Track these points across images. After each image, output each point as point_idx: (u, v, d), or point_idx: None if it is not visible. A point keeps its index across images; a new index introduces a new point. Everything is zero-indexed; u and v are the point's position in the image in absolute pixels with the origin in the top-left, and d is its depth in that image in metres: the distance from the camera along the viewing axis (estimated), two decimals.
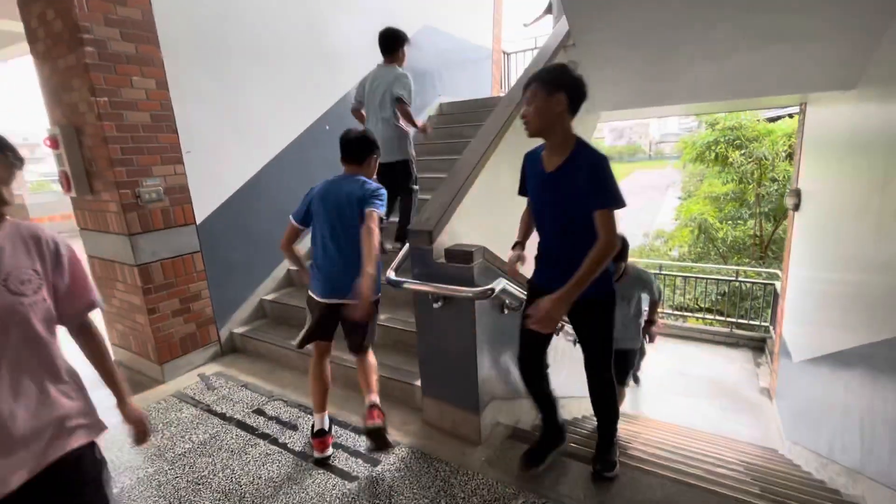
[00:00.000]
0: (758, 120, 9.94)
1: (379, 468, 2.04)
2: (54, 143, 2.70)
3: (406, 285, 1.97)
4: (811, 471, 3.46)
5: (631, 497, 1.82)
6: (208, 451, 2.20)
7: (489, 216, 2.74)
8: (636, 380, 5.43)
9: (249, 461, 2.12)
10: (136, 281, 2.75)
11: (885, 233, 2.62)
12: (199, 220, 3.03)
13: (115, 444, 2.22)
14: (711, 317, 6.94)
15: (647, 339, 3.26)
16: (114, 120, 2.56)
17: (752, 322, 6.57)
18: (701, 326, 6.89)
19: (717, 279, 7.27)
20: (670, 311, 7.16)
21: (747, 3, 2.72)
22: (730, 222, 9.61)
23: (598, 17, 3.17)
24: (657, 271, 7.28)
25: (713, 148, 10.17)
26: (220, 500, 1.89)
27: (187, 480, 2.01)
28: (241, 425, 2.41)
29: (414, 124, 3.20)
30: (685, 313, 7.20)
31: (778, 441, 4.61)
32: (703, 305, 7.85)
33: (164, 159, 2.81)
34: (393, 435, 2.27)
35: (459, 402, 2.18)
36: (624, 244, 2.73)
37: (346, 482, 1.96)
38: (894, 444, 2.26)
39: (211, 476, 2.03)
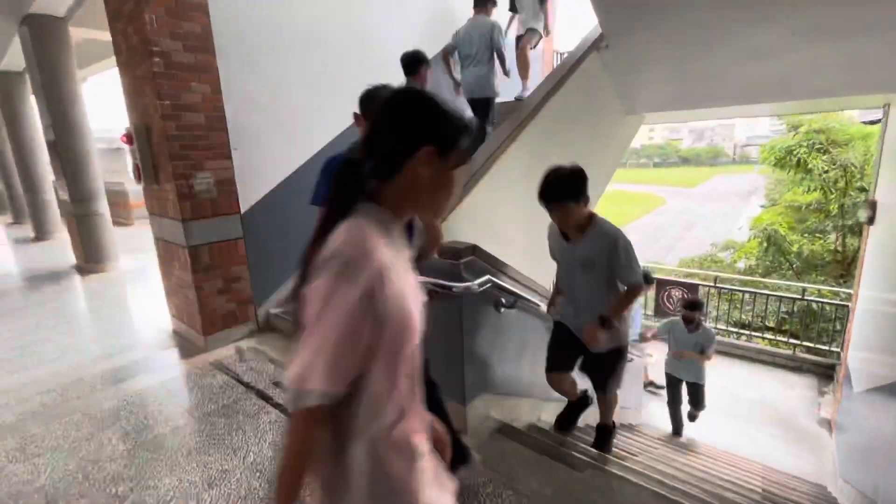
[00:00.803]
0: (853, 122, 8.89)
1: None
2: (129, 139, 3.17)
3: None
4: None
5: (603, 501, 1.83)
6: (228, 413, 2.50)
7: (495, 216, 2.81)
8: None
9: (260, 425, 2.38)
10: (186, 261, 3.16)
11: None
12: (243, 210, 3.39)
13: (156, 398, 2.62)
14: (771, 336, 6.36)
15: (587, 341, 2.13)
16: (174, 121, 2.96)
17: (819, 346, 5.94)
18: (759, 346, 6.34)
19: (780, 296, 6.62)
20: (725, 328, 6.67)
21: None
22: (807, 235, 8.67)
23: (631, 18, 3.10)
24: (711, 284, 6.80)
25: (795, 152, 9.25)
26: (229, 455, 2.16)
27: (207, 435, 2.31)
28: (260, 394, 2.70)
29: (505, 70, 3.78)
30: (741, 331, 6.67)
31: (832, 478, 4.17)
32: (765, 324, 7.21)
33: (214, 155, 3.18)
34: None
35: (448, 393, 2.28)
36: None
37: None
38: None
39: (226, 434, 2.32)
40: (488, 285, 2.02)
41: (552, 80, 3.17)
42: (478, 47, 3.75)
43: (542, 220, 3.43)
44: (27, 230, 8.50)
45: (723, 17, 2.84)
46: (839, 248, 8.33)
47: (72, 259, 6.00)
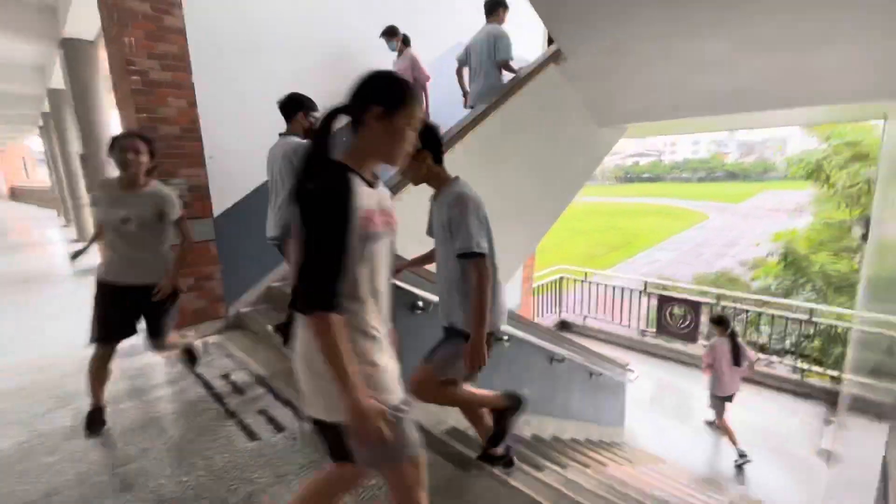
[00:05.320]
0: None
1: (279, 436, 2.33)
2: None
3: None
4: None
5: None
6: (171, 398, 2.71)
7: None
8: None
9: (192, 410, 2.57)
10: None
11: None
12: (216, 214, 3.66)
13: (122, 381, 2.87)
14: (776, 359, 5.97)
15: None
16: (150, 133, 3.26)
17: (830, 372, 5.53)
18: (765, 371, 5.98)
19: (787, 317, 6.15)
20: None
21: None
22: (837, 255, 8.09)
23: (580, 31, 3.14)
24: (714, 302, 6.49)
25: (824, 166, 8.73)
26: (157, 434, 2.34)
27: (146, 414, 2.52)
28: (206, 384, 2.89)
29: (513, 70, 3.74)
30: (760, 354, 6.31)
31: None
32: (784, 347, 6.78)
33: (189, 163, 3.47)
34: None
35: None
36: None
37: (248, 441, 2.29)
38: None
39: (162, 416, 2.52)
40: None
41: (500, 92, 3.24)
42: (483, 57, 3.75)
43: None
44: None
45: (664, 32, 2.83)
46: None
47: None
